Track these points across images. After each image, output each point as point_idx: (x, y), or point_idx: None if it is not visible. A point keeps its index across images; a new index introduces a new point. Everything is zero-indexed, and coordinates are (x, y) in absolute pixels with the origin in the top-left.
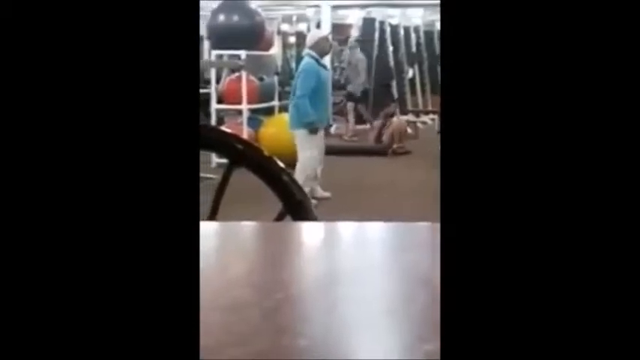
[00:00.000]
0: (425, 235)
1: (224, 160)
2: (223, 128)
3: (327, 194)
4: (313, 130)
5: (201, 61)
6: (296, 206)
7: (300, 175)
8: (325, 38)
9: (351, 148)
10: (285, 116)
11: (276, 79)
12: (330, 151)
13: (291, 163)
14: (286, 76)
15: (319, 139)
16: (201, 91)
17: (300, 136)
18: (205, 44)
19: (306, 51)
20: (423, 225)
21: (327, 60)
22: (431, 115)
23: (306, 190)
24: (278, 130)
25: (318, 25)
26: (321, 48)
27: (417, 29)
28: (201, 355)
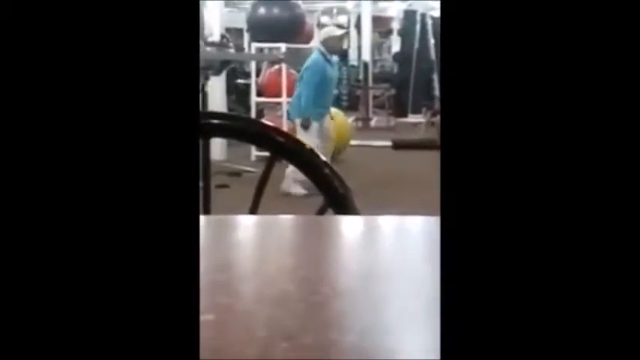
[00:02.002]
0: None
1: (263, 153)
2: (264, 120)
3: (302, 191)
4: (304, 125)
5: (241, 53)
6: (338, 200)
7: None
8: (337, 38)
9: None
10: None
11: None
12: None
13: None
14: None
15: (316, 133)
16: (242, 82)
17: (298, 126)
18: (245, 37)
19: (316, 45)
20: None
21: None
22: None
23: (287, 181)
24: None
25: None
26: (330, 46)
27: None
28: (246, 347)
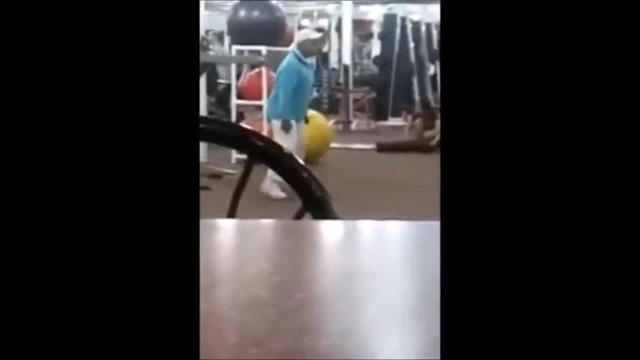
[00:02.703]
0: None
1: (244, 156)
2: (243, 124)
3: (281, 194)
4: (285, 127)
5: (221, 56)
6: (316, 204)
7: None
8: (312, 41)
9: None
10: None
11: None
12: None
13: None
14: None
15: (294, 135)
16: (221, 86)
17: (275, 128)
18: (226, 40)
19: (292, 48)
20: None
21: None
22: None
23: (266, 183)
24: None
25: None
26: (306, 49)
27: (438, 26)
28: (216, 355)
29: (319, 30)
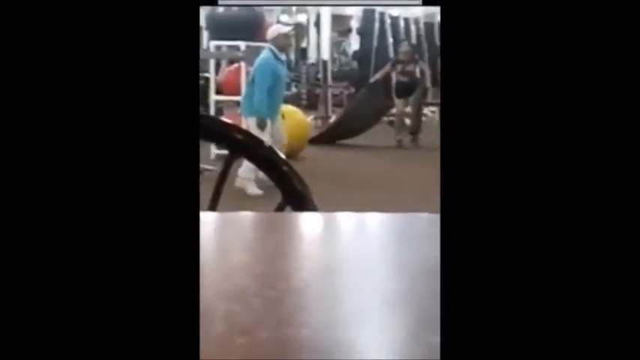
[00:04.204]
0: (425, 226)
1: (223, 152)
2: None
3: (259, 192)
4: (260, 125)
5: (199, 51)
6: (296, 197)
7: (244, 164)
8: (285, 35)
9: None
10: (286, 107)
11: None
12: None
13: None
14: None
15: (270, 132)
16: (200, 81)
17: (251, 124)
18: (204, 34)
19: (266, 45)
20: (424, 215)
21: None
22: (431, 108)
23: (241, 180)
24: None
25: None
26: (280, 44)
27: (417, 21)
28: (204, 343)
29: (287, 24)
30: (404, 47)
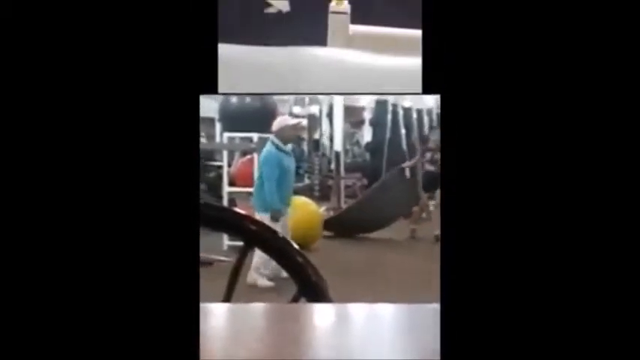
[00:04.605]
0: (437, 317)
1: (235, 243)
2: (236, 209)
3: (270, 284)
4: (274, 217)
5: (213, 142)
6: (311, 288)
7: (256, 257)
8: (291, 127)
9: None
10: (298, 199)
11: None
12: None
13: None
14: (298, 159)
15: (281, 226)
16: (212, 173)
17: (264, 219)
18: (217, 126)
19: (270, 137)
20: (435, 307)
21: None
22: None
23: (254, 275)
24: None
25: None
26: (285, 136)
27: (429, 112)
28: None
29: (297, 116)
30: (435, 135)
